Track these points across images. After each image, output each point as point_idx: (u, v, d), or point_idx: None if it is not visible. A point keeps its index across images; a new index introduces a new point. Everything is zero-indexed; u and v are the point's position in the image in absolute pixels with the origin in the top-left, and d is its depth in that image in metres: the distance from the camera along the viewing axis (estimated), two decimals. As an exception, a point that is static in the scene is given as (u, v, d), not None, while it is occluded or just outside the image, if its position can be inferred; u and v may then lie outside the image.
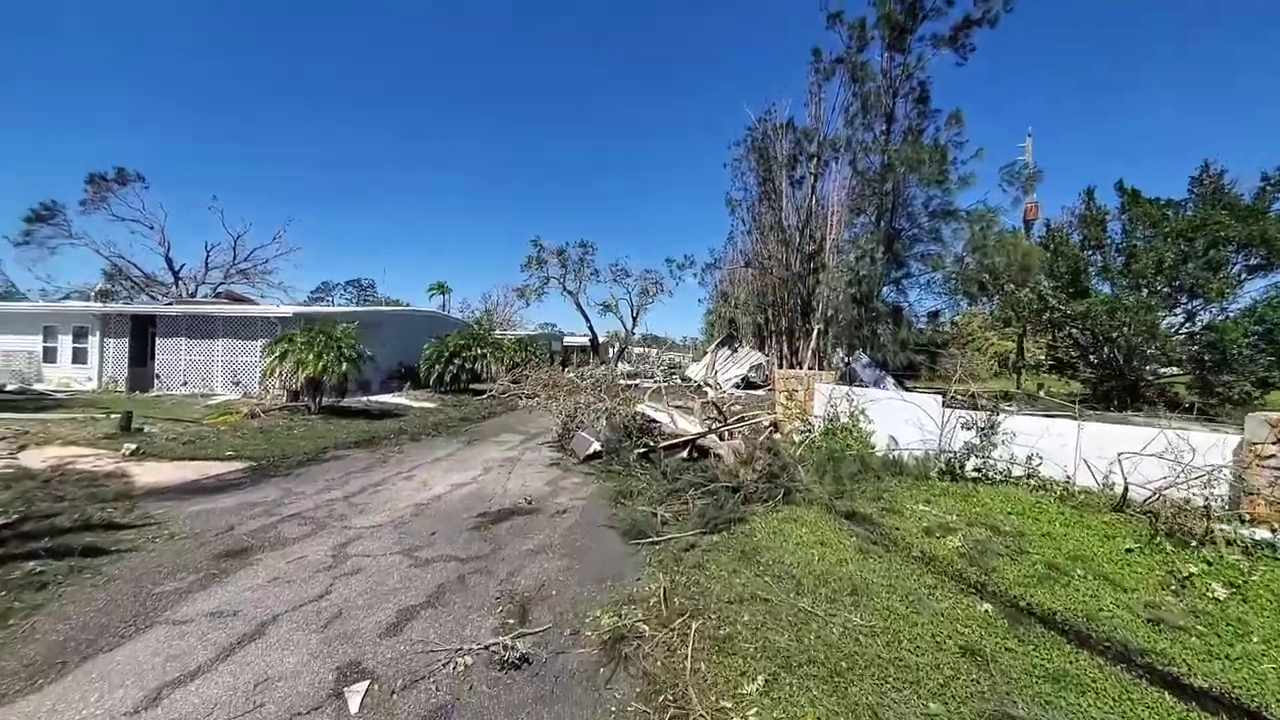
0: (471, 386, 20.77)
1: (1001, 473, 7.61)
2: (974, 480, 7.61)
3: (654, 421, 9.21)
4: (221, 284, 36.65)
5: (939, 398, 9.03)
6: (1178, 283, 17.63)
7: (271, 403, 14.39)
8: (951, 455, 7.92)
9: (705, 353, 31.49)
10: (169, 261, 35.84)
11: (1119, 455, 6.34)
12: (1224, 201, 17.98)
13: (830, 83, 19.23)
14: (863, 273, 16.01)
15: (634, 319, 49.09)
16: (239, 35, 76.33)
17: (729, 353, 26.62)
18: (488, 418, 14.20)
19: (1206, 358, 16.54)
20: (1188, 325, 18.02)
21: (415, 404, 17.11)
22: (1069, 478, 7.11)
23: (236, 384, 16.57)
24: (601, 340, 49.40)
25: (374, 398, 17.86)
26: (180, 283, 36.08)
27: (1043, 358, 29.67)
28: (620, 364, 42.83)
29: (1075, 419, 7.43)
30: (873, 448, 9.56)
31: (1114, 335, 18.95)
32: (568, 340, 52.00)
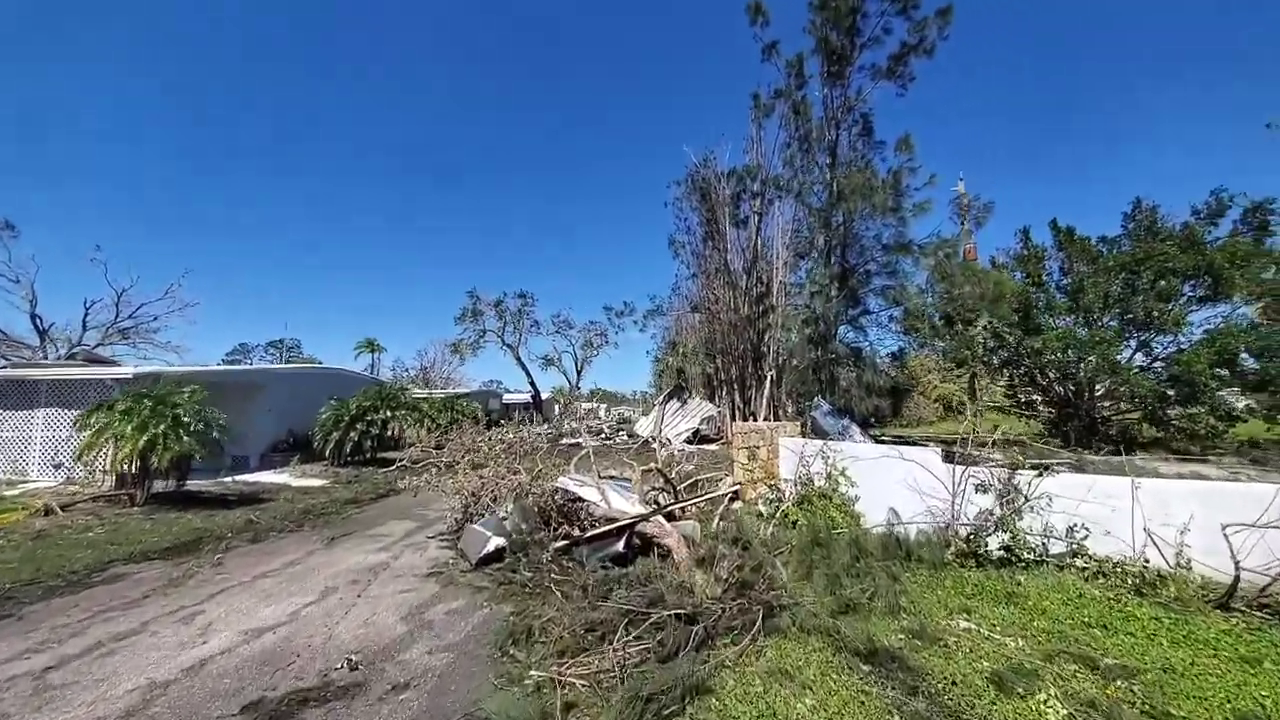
0: (381, 456, 17.72)
1: (1035, 550, 5.71)
2: (1004, 563, 5.67)
3: (579, 500, 6.88)
4: (98, 345, 31.98)
5: (937, 450, 7.21)
6: (1129, 316, 17.25)
7: (92, 491, 11.05)
8: (971, 530, 5.97)
9: (654, 406, 29.47)
10: (35, 320, 31.08)
11: (1223, 528, 4.53)
12: (1160, 235, 18.05)
13: (770, 122, 18.55)
14: (818, 310, 14.57)
15: (579, 373, 47.01)
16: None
17: (678, 405, 24.65)
18: (383, 497, 11.37)
19: (1170, 391, 15.91)
20: (1142, 358, 17.59)
21: (298, 482, 13.97)
22: (1143, 558, 5.22)
23: (58, 467, 12.99)
24: (545, 397, 46.78)
25: (249, 476, 14.56)
26: (49, 343, 31.22)
27: (999, 398, 29.40)
28: (566, 421, 40.23)
29: (1126, 474, 5.68)
30: (857, 517, 7.57)
31: (1072, 371, 18.34)
32: (508, 398, 48.98)
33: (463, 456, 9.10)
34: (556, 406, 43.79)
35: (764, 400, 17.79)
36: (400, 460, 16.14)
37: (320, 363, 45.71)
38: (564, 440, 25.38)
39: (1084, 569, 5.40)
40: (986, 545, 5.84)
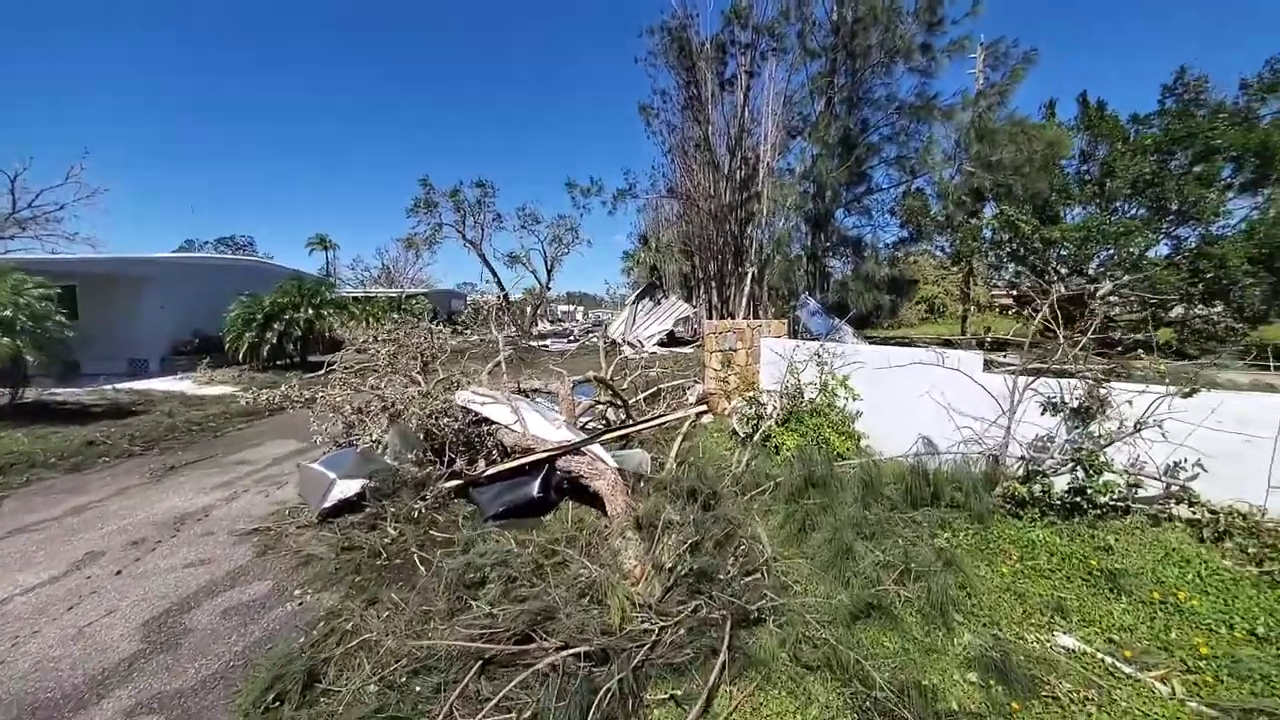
0: (311, 359, 15.63)
1: (1118, 494, 4.03)
2: (1073, 510, 4.00)
3: (486, 422, 4.96)
4: (-5, 237, 28.06)
5: (977, 355, 5.34)
6: (1161, 203, 15.15)
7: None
8: (1031, 464, 4.24)
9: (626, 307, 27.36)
10: (-89, 208, 26.85)
11: None
12: (1208, 110, 15.55)
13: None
14: (820, 177, 12.02)
15: (549, 272, 44.10)
16: None
17: (651, 305, 22.55)
18: (278, 413, 9.35)
19: (1193, 289, 14.28)
20: (1165, 251, 15.79)
21: (199, 390, 11.89)
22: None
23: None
24: (516, 298, 44.24)
25: (141, 383, 12.41)
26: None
27: (984, 298, 27.76)
28: (539, 323, 38.33)
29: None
30: (858, 439, 5.88)
31: (1083, 267, 16.55)
32: (475, 299, 46.17)
33: (350, 360, 7.11)
34: (526, 309, 41.40)
35: (744, 298, 15.78)
36: (330, 363, 13.99)
37: (271, 260, 41.90)
38: (532, 343, 23.46)
39: (1197, 523, 3.75)
40: (1049, 485, 4.14)
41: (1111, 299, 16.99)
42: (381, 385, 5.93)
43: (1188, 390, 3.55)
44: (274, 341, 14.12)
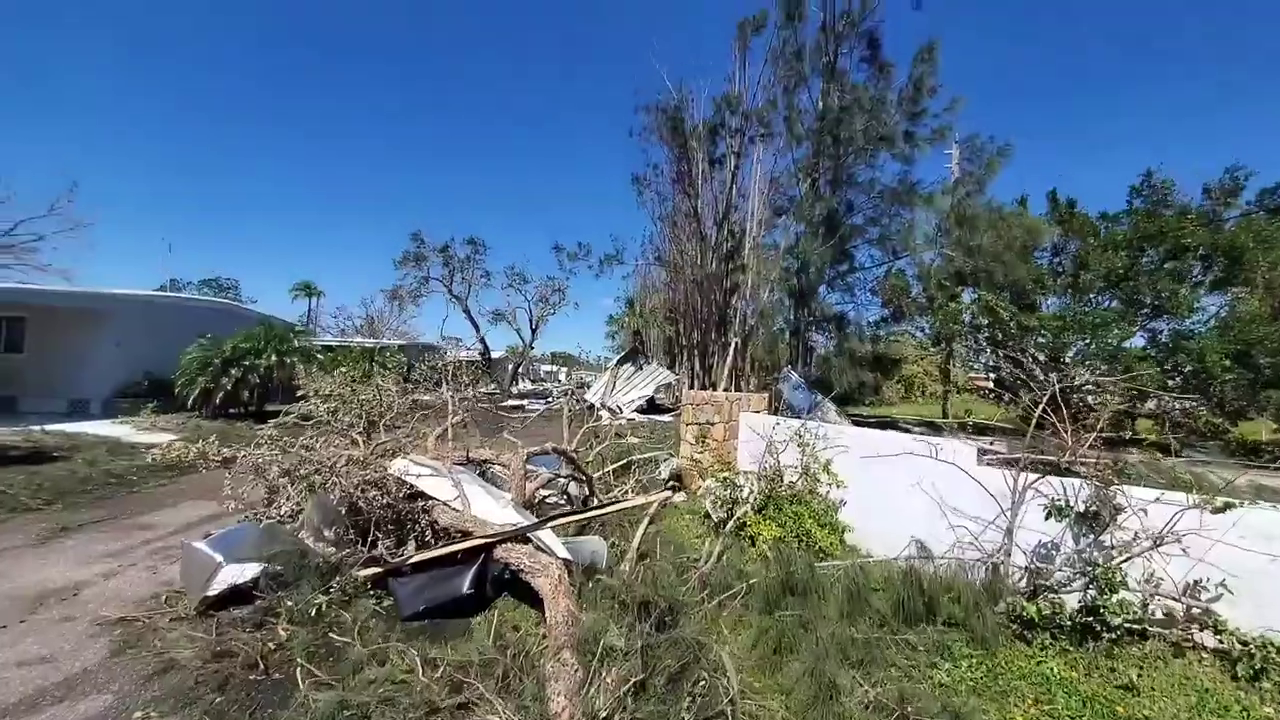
0: (268, 409, 14.81)
1: (1133, 615, 3.52)
2: (1085, 633, 3.48)
3: (423, 496, 4.36)
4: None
5: (968, 443, 4.94)
6: (1135, 297, 15.51)
7: None
8: (1038, 576, 3.74)
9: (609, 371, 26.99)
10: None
11: None
12: (1174, 210, 16.33)
13: (757, 45, 15.60)
14: (805, 254, 12.08)
15: (534, 331, 43.92)
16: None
17: (633, 370, 22.21)
18: (226, 463, 8.57)
19: (1171, 381, 14.34)
20: (1141, 344, 16.04)
21: (137, 437, 11.01)
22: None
23: None
24: (498, 355, 43.76)
25: (75, 425, 11.48)
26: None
27: (962, 380, 27.96)
28: (520, 382, 37.70)
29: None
30: (841, 532, 5.36)
31: (1061, 356, 16.68)
32: (435, 359, 45.44)
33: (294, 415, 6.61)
34: (508, 366, 40.79)
35: (726, 369, 15.51)
36: (286, 414, 13.18)
37: (253, 304, 41.25)
38: (509, 403, 22.77)
39: (1225, 654, 3.24)
40: (1059, 604, 3.62)
41: (1087, 389, 17.11)
42: (315, 445, 5.34)
43: (1220, 505, 3.13)
44: (229, 388, 13.34)
